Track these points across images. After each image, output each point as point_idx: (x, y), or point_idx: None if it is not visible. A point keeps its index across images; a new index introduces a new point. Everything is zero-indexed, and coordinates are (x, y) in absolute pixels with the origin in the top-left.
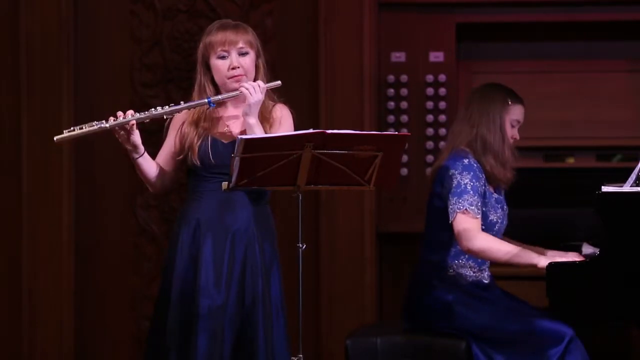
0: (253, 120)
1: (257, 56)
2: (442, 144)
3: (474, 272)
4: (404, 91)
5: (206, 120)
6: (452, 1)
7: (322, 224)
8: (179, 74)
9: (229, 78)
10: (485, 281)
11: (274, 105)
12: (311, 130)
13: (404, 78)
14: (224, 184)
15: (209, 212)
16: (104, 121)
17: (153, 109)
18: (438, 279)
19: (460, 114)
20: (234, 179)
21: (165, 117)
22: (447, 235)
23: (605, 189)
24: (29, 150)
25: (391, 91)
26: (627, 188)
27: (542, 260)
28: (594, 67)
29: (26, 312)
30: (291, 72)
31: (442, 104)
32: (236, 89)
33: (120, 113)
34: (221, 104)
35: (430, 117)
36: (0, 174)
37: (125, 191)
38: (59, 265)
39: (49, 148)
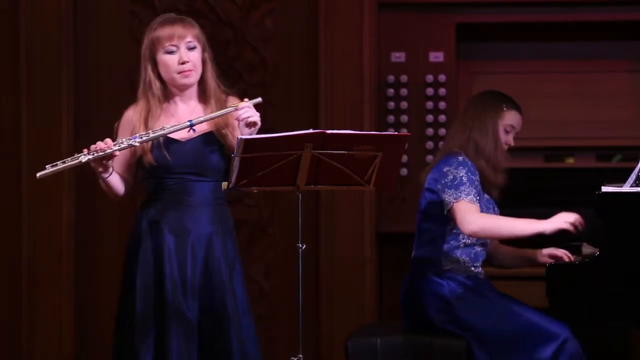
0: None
1: (204, 50)
2: (442, 144)
3: (468, 267)
4: (404, 91)
5: (156, 119)
6: (452, 1)
7: (322, 224)
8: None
9: (178, 73)
10: (481, 277)
11: (226, 99)
12: (311, 130)
13: (404, 78)
14: (224, 184)
15: (168, 214)
16: (83, 155)
17: (133, 138)
18: (433, 274)
19: (457, 119)
20: (233, 179)
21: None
22: (440, 231)
23: (605, 189)
24: (29, 150)
25: (391, 91)
26: (627, 188)
27: (547, 225)
28: (594, 67)
29: (26, 312)
30: (291, 72)
31: (442, 104)
32: (186, 85)
33: (100, 145)
34: (169, 100)
35: (430, 117)
36: (1, 174)
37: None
38: (59, 266)
39: (49, 148)
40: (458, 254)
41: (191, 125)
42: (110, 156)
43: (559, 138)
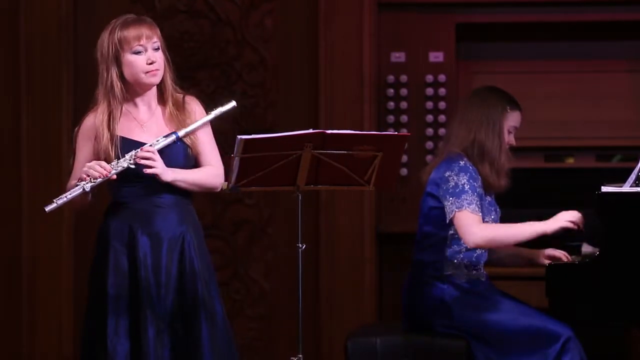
0: (172, 177)
1: (164, 51)
2: (442, 144)
3: (470, 271)
4: (403, 91)
5: (117, 122)
6: (452, 1)
7: (322, 224)
8: (179, 73)
9: (145, 73)
10: (482, 279)
11: (183, 97)
12: (311, 130)
13: (403, 78)
14: (224, 184)
15: (139, 218)
16: (85, 183)
17: (127, 160)
18: (435, 278)
19: (457, 117)
20: (233, 179)
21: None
22: (441, 236)
23: (605, 189)
24: (29, 150)
25: (391, 91)
26: (626, 188)
27: (548, 225)
28: (594, 67)
29: (26, 312)
30: (291, 72)
31: (442, 104)
32: (152, 84)
33: (99, 170)
34: (129, 102)
35: (430, 117)
36: (0, 174)
37: None
38: (59, 265)
39: (49, 148)
40: (460, 258)
41: (177, 138)
42: (109, 180)
43: (559, 138)
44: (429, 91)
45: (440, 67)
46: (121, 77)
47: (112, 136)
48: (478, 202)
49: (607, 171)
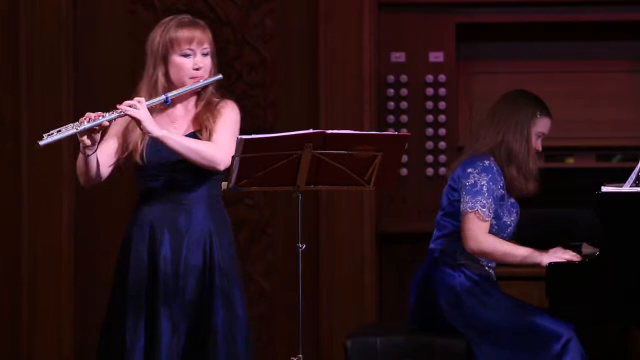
0: (159, 133)
1: (213, 57)
2: (442, 144)
3: (482, 265)
4: (403, 91)
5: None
6: (451, 1)
7: (322, 224)
8: None
9: (190, 77)
10: (493, 278)
11: (218, 102)
12: (311, 130)
13: (403, 78)
14: (224, 184)
15: (161, 213)
16: (78, 123)
17: (116, 110)
18: (448, 266)
19: (487, 118)
20: (233, 179)
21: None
22: (458, 228)
23: (605, 189)
24: (29, 150)
25: (391, 91)
26: (626, 188)
27: (545, 257)
28: (594, 67)
29: (26, 312)
30: (291, 72)
31: (442, 104)
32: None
33: (89, 115)
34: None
35: (430, 117)
36: (1, 174)
37: (126, 191)
38: (59, 265)
39: (49, 148)
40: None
41: (166, 98)
42: (101, 127)
43: (559, 138)
44: (429, 91)
45: (440, 67)
46: (166, 75)
47: (143, 132)
48: (492, 206)
49: (607, 171)
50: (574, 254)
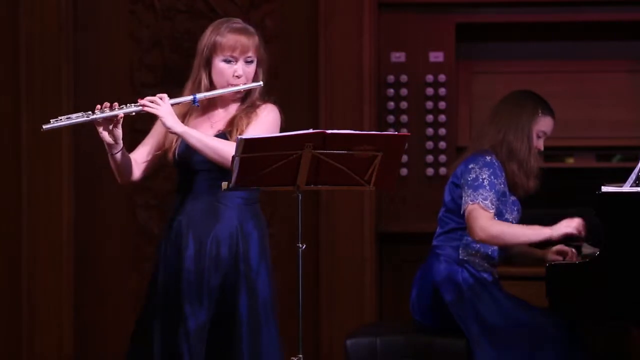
0: (180, 129)
1: (259, 64)
2: (442, 144)
3: (484, 263)
4: (403, 91)
5: (194, 117)
6: (451, 1)
7: (322, 224)
8: (179, 73)
9: (230, 84)
10: (495, 275)
11: (259, 105)
12: (311, 130)
13: (403, 78)
14: (224, 184)
15: (192, 213)
16: (90, 112)
17: (135, 104)
18: (451, 260)
19: (489, 116)
20: (233, 179)
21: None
22: (461, 224)
23: (605, 189)
24: (29, 150)
25: (391, 91)
26: (626, 188)
27: (553, 230)
28: (594, 67)
29: (26, 312)
30: (291, 72)
31: (442, 104)
32: (232, 97)
33: (107, 104)
34: (210, 100)
35: (430, 117)
36: (1, 174)
37: (126, 191)
38: (59, 265)
39: (49, 148)
40: (477, 248)
41: (195, 99)
42: (117, 120)
43: (559, 138)
44: (429, 91)
45: (440, 67)
46: (209, 77)
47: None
48: (494, 199)
49: (607, 171)
50: (580, 220)
